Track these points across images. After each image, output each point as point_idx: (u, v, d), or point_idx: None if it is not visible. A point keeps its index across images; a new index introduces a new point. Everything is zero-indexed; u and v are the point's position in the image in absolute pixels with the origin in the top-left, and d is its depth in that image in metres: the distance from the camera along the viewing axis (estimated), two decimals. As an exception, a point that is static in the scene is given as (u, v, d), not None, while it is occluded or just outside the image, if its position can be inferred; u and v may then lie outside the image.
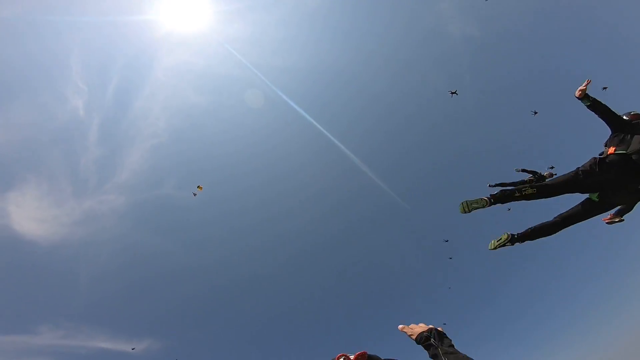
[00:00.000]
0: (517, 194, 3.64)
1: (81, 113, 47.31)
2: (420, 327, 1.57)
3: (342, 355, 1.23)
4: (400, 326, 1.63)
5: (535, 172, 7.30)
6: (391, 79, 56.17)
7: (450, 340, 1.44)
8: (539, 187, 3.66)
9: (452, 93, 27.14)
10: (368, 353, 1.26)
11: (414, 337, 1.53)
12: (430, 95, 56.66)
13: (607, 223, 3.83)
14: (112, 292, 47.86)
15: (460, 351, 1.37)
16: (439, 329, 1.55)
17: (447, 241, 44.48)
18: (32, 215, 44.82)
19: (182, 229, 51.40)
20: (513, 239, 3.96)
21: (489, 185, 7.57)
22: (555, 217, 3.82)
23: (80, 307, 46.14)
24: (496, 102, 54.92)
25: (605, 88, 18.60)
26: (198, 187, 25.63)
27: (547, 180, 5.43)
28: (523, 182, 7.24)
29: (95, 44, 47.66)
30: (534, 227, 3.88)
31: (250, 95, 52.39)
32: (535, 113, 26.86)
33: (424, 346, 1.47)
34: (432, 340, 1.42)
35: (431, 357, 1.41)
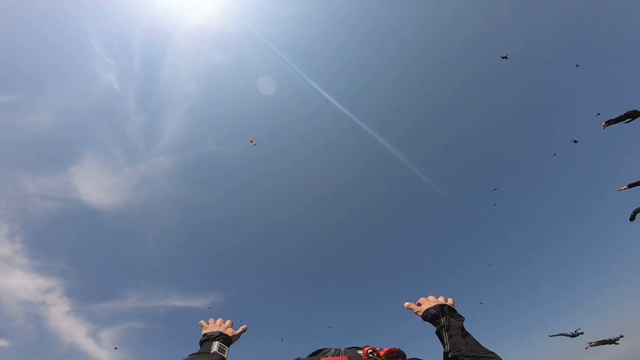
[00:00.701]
0: None
1: (116, 87, 49.71)
2: (429, 302, 1.47)
3: (371, 349, 1.16)
4: (406, 304, 1.53)
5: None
6: (420, 22, 50.80)
7: (461, 319, 1.35)
8: None
9: (503, 58, 24.69)
10: (398, 349, 1.19)
11: (420, 314, 1.45)
12: (464, 39, 51.13)
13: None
14: (177, 250, 54.23)
15: (470, 333, 1.28)
16: (449, 301, 1.46)
17: (495, 189, 44.87)
18: (96, 185, 50.26)
19: (228, 181, 55.13)
20: None
21: (603, 127, 9.20)
22: None
23: (154, 268, 53.01)
24: (538, 42, 48.62)
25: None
26: (250, 140, 27.06)
27: None
28: (632, 112, 9.21)
29: (107, 20, 48.42)
30: None
31: (263, 83, 51.01)
32: (577, 66, 24.10)
33: (431, 323, 1.40)
34: (441, 319, 1.34)
35: (437, 334, 1.35)
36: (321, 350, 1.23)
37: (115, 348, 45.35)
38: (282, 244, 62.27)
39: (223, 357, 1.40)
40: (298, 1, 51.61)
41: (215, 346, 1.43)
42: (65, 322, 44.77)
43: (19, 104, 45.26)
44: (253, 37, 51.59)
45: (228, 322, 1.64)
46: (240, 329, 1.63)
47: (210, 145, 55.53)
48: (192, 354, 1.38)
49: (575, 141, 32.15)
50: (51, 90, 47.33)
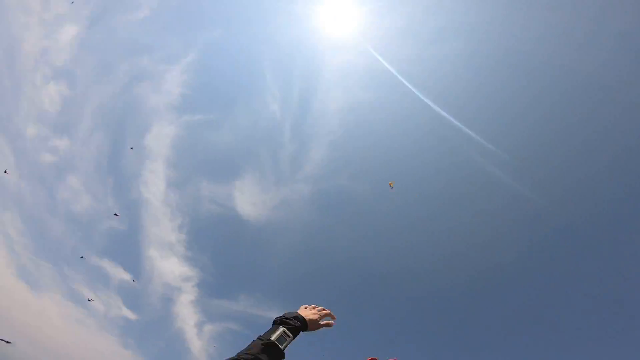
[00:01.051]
0: None
1: (278, 116, 60.12)
2: None
3: None
4: None
5: None
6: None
7: None
8: None
9: None
10: None
11: None
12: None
13: None
14: (293, 271, 59.09)
15: None
16: None
17: None
18: (249, 200, 59.84)
19: (356, 217, 56.63)
20: None
21: None
22: None
23: (269, 281, 58.86)
24: None
25: None
26: (390, 183, 28.76)
27: None
28: None
29: (277, 54, 58.76)
30: None
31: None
32: None
33: None
34: None
35: None
36: None
37: (214, 346, 51.53)
38: (393, 290, 59.77)
39: (279, 347, 1.35)
40: (445, 40, 50.49)
41: (277, 333, 1.39)
42: (186, 309, 55.20)
43: (213, 122, 60.48)
44: (394, 77, 54.50)
45: (325, 312, 1.61)
46: (325, 322, 1.60)
47: (344, 179, 60.77)
48: (253, 343, 1.37)
49: None
50: (235, 113, 61.29)
